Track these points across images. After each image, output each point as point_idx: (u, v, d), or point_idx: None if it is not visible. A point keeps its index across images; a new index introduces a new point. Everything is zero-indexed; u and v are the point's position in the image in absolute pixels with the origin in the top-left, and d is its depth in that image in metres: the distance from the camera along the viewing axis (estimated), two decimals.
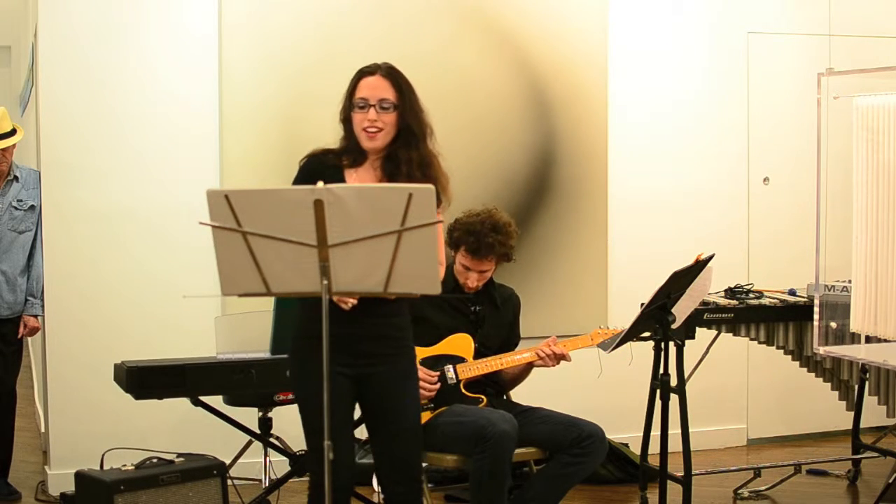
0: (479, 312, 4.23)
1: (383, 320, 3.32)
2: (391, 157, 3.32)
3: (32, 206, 5.06)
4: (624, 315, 4.65)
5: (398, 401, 3.37)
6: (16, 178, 5.05)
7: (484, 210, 4.19)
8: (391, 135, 3.30)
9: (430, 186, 2.79)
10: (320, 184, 2.74)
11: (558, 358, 4.13)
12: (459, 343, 4.17)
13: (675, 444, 4.28)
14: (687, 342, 4.51)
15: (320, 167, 3.28)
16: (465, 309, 4.22)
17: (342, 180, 3.28)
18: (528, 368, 4.24)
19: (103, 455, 4.29)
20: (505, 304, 4.31)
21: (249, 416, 4.58)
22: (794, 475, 5.24)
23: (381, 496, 3.48)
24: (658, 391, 4.17)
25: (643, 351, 4.62)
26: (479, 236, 4.08)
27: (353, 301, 3.19)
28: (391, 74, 3.32)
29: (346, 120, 3.34)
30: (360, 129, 3.30)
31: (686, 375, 4.45)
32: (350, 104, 3.31)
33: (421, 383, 4.01)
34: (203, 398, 4.31)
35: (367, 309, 3.24)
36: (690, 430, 4.43)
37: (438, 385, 4.07)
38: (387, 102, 3.28)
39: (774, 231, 6.12)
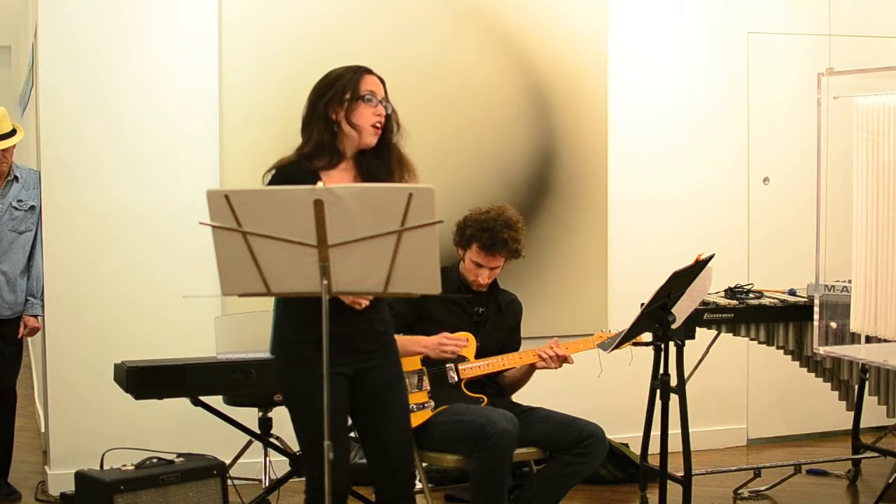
0: (482, 314, 4.23)
1: (373, 316, 3.34)
2: (378, 153, 3.33)
3: (32, 207, 5.06)
4: (624, 315, 4.65)
5: (389, 396, 3.38)
6: (16, 178, 5.05)
7: (494, 207, 4.19)
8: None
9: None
10: (320, 184, 2.74)
11: (561, 360, 4.13)
12: None
13: (675, 444, 4.27)
14: (687, 342, 4.52)
15: (297, 175, 3.22)
16: (468, 309, 4.22)
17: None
18: (529, 372, 4.24)
19: (103, 455, 4.29)
20: (508, 308, 4.31)
21: (249, 416, 4.58)
22: (794, 475, 5.24)
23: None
24: (658, 391, 4.16)
25: (643, 351, 4.61)
26: (494, 232, 4.08)
27: (366, 301, 3.22)
28: (380, 78, 3.38)
29: (329, 113, 3.30)
30: (367, 123, 3.29)
31: (686, 375, 4.45)
32: (353, 96, 3.28)
33: (451, 343, 4.02)
34: (203, 398, 4.32)
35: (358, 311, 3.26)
36: (690, 430, 4.43)
37: (466, 343, 4.10)
38: (385, 101, 3.34)
39: (774, 231, 6.12)
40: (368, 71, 3.36)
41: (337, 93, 3.30)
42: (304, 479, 3.39)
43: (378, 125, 3.30)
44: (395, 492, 3.39)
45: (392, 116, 3.36)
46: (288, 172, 3.27)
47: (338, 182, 3.28)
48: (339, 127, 3.30)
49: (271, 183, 3.29)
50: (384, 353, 3.39)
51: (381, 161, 3.34)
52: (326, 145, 3.31)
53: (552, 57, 5.68)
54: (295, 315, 3.30)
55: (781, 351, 5.00)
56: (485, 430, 3.79)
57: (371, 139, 3.31)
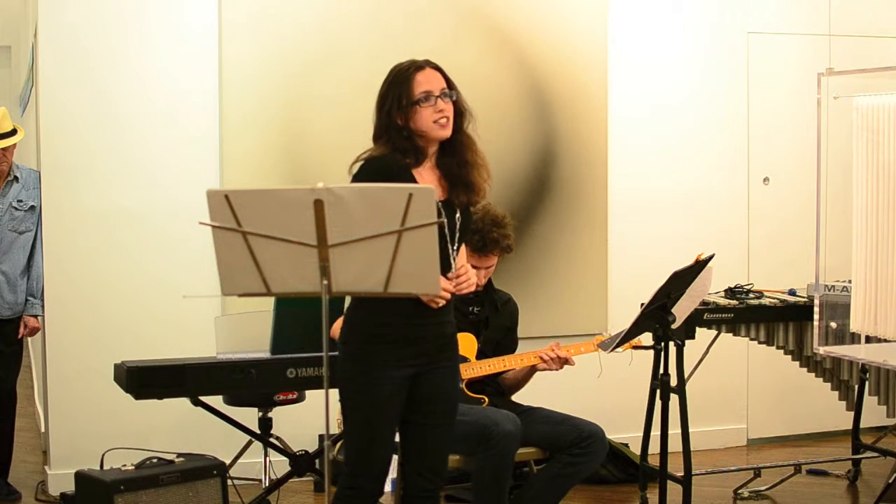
0: (478, 314, 4.23)
1: (445, 318, 3.29)
2: (453, 146, 3.27)
3: (33, 207, 5.06)
4: (624, 315, 4.65)
5: (447, 399, 3.33)
6: (16, 178, 5.05)
7: (478, 208, 4.18)
8: (452, 122, 3.25)
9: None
10: (320, 184, 2.74)
11: (562, 362, 4.13)
12: (462, 343, 4.15)
13: (675, 444, 4.28)
14: (687, 342, 4.52)
15: (393, 167, 3.16)
16: (463, 309, 4.22)
17: (412, 180, 3.18)
18: (529, 373, 4.24)
19: (103, 455, 4.29)
20: (504, 307, 4.31)
21: (249, 416, 4.58)
22: (794, 475, 5.24)
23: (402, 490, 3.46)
24: (658, 391, 4.17)
25: (643, 351, 4.61)
26: (483, 234, 4.08)
27: (443, 300, 3.18)
28: (437, 66, 3.28)
29: (395, 120, 3.22)
30: (430, 122, 3.20)
31: (686, 375, 4.45)
32: (408, 102, 3.20)
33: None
34: (203, 398, 4.31)
35: (434, 310, 3.22)
36: (690, 430, 4.43)
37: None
38: (446, 91, 3.24)
39: (774, 231, 6.12)
40: (420, 67, 3.25)
41: (395, 101, 3.22)
42: (303, 479, 3.39)
43: (443, 121, 3.21)
44: (425, 491, 3.35)
45: (458, 104, 3.26)
46: (384, 163, 3.18)
47: (427, 181, 3.23)
48: (408, 131, 3.23)
49: (367, 171, 3.19)
50: (449, 356, 3.33)
51: (456, 158, 3.28)
52: (408, 149, 3.23)
53: (552, 57, 5.68)
54: (370, 314, 3.21)
55: (781, 351, 5.01)
56: (489, 431, 3.79)
57: (441, 133, 3.22)
